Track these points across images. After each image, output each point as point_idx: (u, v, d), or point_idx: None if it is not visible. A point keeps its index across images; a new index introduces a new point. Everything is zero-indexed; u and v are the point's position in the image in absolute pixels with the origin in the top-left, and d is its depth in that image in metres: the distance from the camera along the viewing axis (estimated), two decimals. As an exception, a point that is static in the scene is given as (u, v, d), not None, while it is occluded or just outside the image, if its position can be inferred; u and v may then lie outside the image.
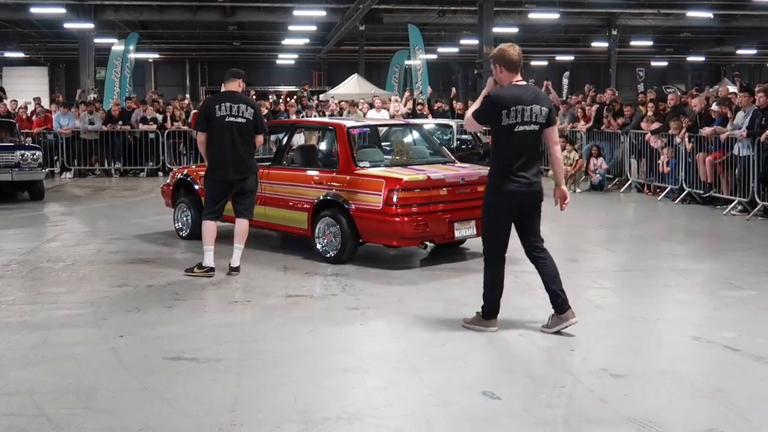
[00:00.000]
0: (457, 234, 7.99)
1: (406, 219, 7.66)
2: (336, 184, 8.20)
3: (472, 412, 4.24)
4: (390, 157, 8.99)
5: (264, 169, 8.65)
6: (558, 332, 5.58)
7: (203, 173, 7.90)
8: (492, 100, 5.57)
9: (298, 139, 10.39)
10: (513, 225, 5.71)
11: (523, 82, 5.69)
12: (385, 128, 10.47)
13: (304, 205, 8.42)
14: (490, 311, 5.73)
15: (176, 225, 9.79)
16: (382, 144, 10.16)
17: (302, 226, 8.46)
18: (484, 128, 5.84)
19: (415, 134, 9.88)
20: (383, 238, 7.92)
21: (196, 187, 9.41)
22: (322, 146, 9.65)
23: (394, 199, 7.67)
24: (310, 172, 8.61)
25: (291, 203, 8.58)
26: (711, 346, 5.45)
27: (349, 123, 8.91)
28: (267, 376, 4.81)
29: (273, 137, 12.15)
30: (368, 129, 10.10)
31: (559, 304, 5.61)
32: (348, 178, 8.14)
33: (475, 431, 4.03)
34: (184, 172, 9.91)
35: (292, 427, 4.03)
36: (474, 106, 5.78)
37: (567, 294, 5.66)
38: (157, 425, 4.07)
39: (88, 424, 4.07)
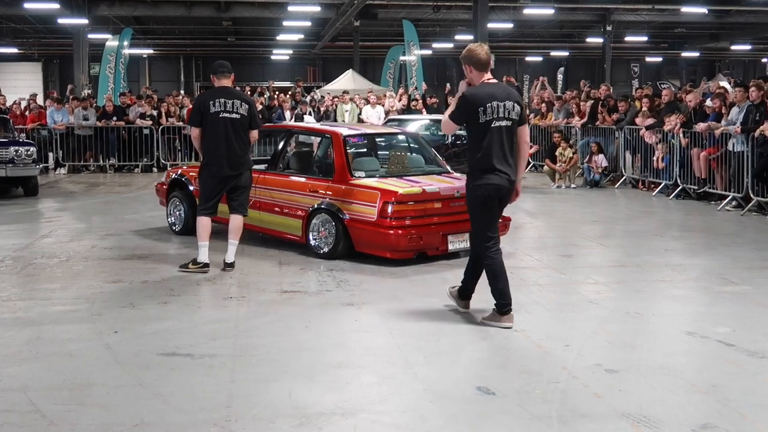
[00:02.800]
0: (450, 247, 8.00)
1: (400, 232, 7.66)
2: (331, 193, 8.20)
3: (466, 408, 4.25)
4: (386, 167, 8.97)
5: (259, 173, 8.65)
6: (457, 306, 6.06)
7: (195, 174, 7.87)
8: (467, 99, 5.73)
9: (294, 144, 10.40)
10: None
11: (494, 81, 5.86)
12: (381, 137, 10.44)
13: (299, 213, 8.42)
14: (503, 305, 5.79)
15: (169, 219, 9.80)
16: (378, 150, 10.10)
17: (297, 233, 8.47)
18: (458, 129, 6.11)
19: (411, 143, 9.86)
20: (376, 249, 7.91)
21: (191, 188, 9.41)
22: (318, 153, 9.65)
23: (389, 211, 7.67)
24: (305, 180, 8.61)
25: (286, 210, 8.58)
26: (705, 342, 5.46)
27: (345, 131, 8.85)
28: (262, 371, 4.81)
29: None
30: (364, 137, 10.05)
31: (466, 292, 6.04)
32: (343, 188, 8.14)
33: (469, 426, 4.03)
34: (179, 172, 9.88)
35: (287, 423, 4.03)
36: (449, 109, 5.95)
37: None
38: (151, 421, 4.06)
39: (83, 420, 4.07)
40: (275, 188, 8.76)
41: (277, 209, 8.67)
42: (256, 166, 8.43)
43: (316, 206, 8.23)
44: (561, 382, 4.63)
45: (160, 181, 10.40)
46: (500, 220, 6.06)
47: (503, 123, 5.68)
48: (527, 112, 6.24)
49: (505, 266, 5.85)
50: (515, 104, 5.74)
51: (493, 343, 5.44)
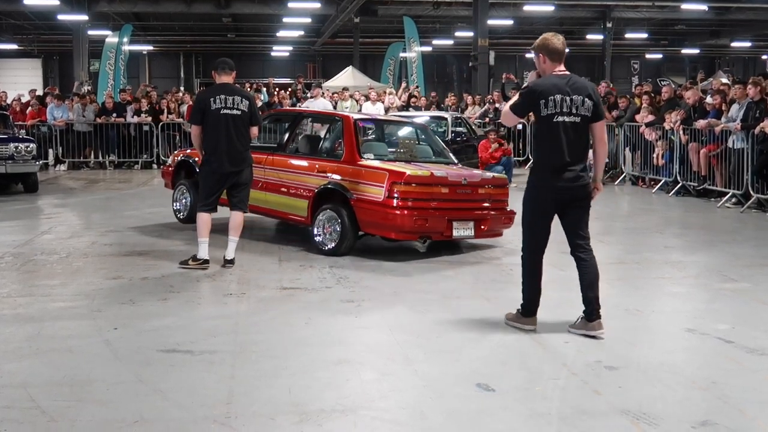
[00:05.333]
0: (455, 233, 8.02)
1: (405, 212, 7.68)
2: (339, 173, 8.23)
3: (466, 405, 4.25)
4: (395, 152, 9.07)
5: (268, 155, 8.74)
6: (584, 335, 5.43)
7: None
8: (530, 90, 5.42)
9: (304, 128, 10.64)
10: (560, 221, 5.57)
11: (566, 73, 5.45)
12: (391, 125, 10.65)
13: (306, 193, 8.44)
14: (527, 309, 5.64)
15: (174, 206, 9.93)
16: (387, 137, 10.22)
17: (302, 213, 8.48)
18: (520, 122, 5.66)
19: (420, 134, 9.93)
20: (382, 229, 7.94)
21: (198, 169, 9.45)
22: (328, 136, 9.72)
23: (396, 192, 7.69)
24: (313, 161, 8.65)
25: (292, 190, 8.61)
26: (705, 339, 5.46)
27: (356, 115, 9.04)
28: (262, 368, 4.80)
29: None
30: (374, 123, 10.26)
31: (589, 312, 5.45)
32: (351, 168, 8.18)
33: (469, 423, 4.03)
34: (187, 152, 10.01)
35: (287, 419, 4.03)
36: (512, 100, 5.64)
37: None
38: (151, 417, 4.06)
39: (82, 416, 4.06)
40: (282, 169, 8.80)
41: (283, 189, 8.70)
42: (263, 150, 8.53)
43: (323, 186, 8.25)
44: (561, 379, 4.63)
45: (167, 164, 10.50)
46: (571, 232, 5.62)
47: (568, 119, 5.29)
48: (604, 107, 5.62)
49: (541, 272, 5.66)
50: (586, 99, 5.32)
51: (492, 340, 5.44)
